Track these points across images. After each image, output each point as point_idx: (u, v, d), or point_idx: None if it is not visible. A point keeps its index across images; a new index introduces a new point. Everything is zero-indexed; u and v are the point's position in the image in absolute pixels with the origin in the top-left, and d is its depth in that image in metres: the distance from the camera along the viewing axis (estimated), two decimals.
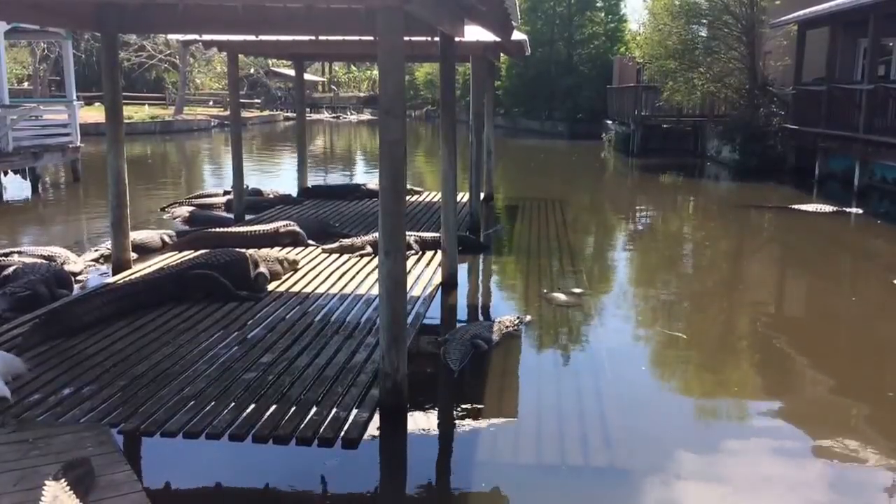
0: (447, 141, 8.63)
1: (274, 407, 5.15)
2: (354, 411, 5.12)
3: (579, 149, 32.14)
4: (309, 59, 19.46)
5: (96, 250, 10.21)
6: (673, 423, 5.72)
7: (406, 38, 5.54)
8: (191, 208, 14.01)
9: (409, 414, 5.41)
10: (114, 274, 8.95)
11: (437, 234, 9.53)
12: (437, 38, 8.27)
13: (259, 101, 59.22)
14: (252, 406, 5.17)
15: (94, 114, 30.95)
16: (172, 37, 25.66)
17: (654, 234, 14.27)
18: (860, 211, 14.83)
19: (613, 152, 30.03)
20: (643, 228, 14.97)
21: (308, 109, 35.50)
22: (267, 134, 42.81)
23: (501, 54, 15.19)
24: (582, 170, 26.47)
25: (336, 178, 22.09)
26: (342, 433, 4.82)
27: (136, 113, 39.96)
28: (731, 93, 24.54)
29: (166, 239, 10.94)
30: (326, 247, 10.28)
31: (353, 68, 72.98)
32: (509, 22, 7.73)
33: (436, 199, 14.34)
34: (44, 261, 8.88)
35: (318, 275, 8.93)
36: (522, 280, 9.75)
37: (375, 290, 7.38)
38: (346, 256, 9.87)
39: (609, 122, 33.48)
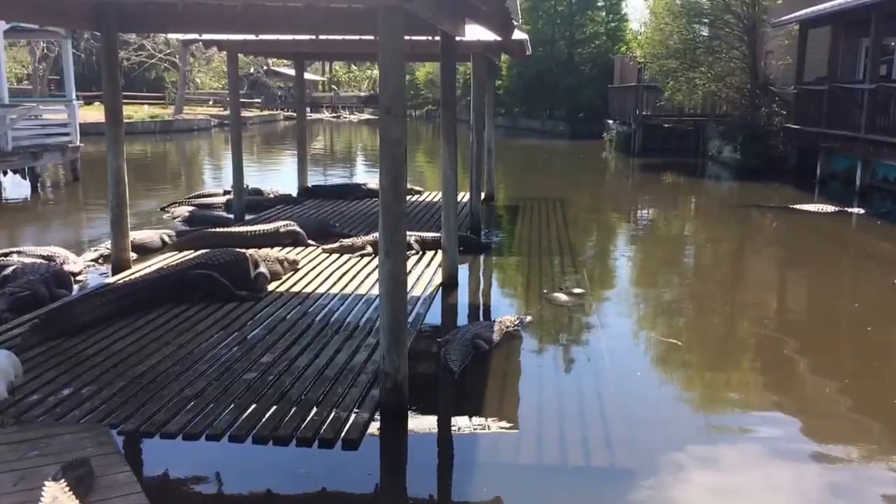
0: (448, 140, 8.60)
1: (274, 408, 5.14)
2: (355, 412, 5.10)
3: (580, 148, 32.13)
4: (309, 58, 19.44)
5: (96, 250, 10.19)
6: (674, 424, 5.70)
7: (407, 38, 5.51)
8: (191, 208, 14.00)
9: (409, 414, 5.39)
10: (113, 274, 8.93)
11: (438, 234, 9.51)
12: (437, 38, 8.25)
13: (259, 100, 59.23)
14: (252, 407, 5.15)
15: (94, 113, 30.92)
16: (172, 36, 25.69)
17: (656, 235, 14.24)
18: (862, 211, 14.81)
19: (614, 152, 30.01)
20: (644, 228, 14.95)
21: (308, 109, 35.47)
22: (267, 133, 42.81)
23: (502, 54, 15.17)
24: (583, 169, 26.45)
25: (336, 178, 22.08)
26: (343, 434, 4.80)
27: (135, 112, 39.96)
28: (733, 92, 24.52)
29: (166, 239, 10.91)
30: (327, 247, 10.26)
31: (354, 67, 73.07)
32: (510, 21, 7.71)
33: (436, 199, 14.32)
34: (43, 261, 8.87)
35: (318, 275, 8.92)
36: (523, 280, 9.72)
37: (376, 291, 7.37)
38: (346, 256, 9.85)
39: (610, 121, 33.47)
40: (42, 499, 3.65)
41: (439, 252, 9.30)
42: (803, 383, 6.77)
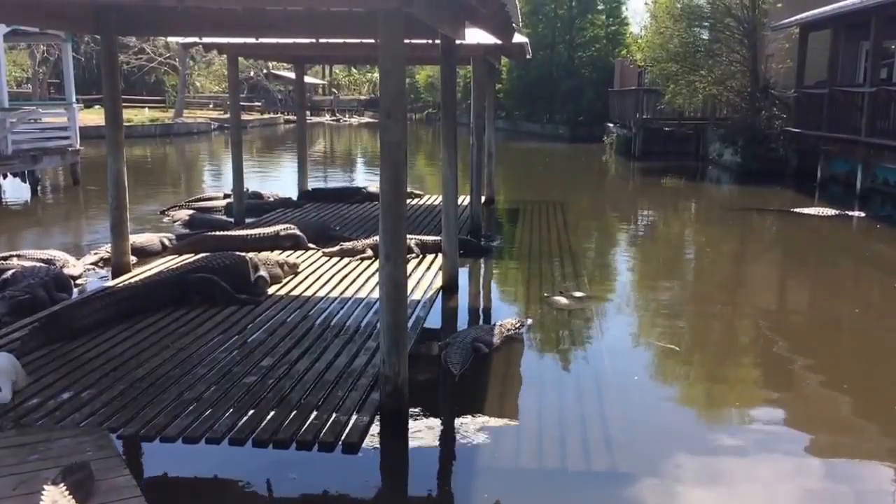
0: (448, 144, 8.60)
1: (274, 411, 5.12)
2: (355, 415, 5.08)
3: (581, 152, 32.15)
4: (309, 61, 19.45)
5: (96, 254, 10.18)
6: (674, 427, 5.69)
7: (407, 41, 5.51)
8: (191, 211, 14.00)
9: (409, 418, 5.38)
10: (113, 277, 8.92)
11: (438, 238, 9.51)
12: (437, 41, 8.25)
13: (259, 103, 59.27)
14: (252, 410, 5.13)
15: (94, 117, 30.97)
16: (172, 39, 25.71)
17: (656, 238, 14.24)
18: (862, 214, 14.80)
19: (615, 155, 30.03)
20: (645, 232, 14.95)
21: (308, 112, 35.50)
22: (267, 137, 42.84)
23: (502, 57, 15.19)
24: (583, 173, 26.47)
25: (336, 181, 22.07)
26: (343, 437, 4.78)
27: (135, 116, 39.98)
28: (733, 96, 24.54)
29: (166, 242, 10.91)
30: (327, 250, 10.25)
31: (354, 71, 73.13)
32: (510, 24, 7.70)
33: (437, 203, 14.31)
34: (43, 264, 8.86)
35: (318, 278, 8.90)
36: (523, 283, 9.71)
37: (376, 294, 7.35)
38: (346, 260, 9.84)
39: (610, 124, 33.49)
40: (41, 502, 3.64)
41: (440, 255, 9.29)
42: (803, 389, 6.75)
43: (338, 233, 11.54)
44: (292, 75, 32.86)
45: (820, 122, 18.89)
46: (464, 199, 13.18)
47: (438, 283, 8.78)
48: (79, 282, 9.08)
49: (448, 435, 5.45)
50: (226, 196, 15.15)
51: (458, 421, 5.59)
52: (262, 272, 8.26)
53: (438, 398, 6.17)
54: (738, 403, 6.25)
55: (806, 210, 14.92)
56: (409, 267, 8.90)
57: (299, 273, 9.07)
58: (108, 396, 5.35)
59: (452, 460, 5.25)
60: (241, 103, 21.34)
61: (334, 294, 8.21)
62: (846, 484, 4.88)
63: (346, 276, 9.03)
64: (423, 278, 8.87)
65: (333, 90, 71.52)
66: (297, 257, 9.83)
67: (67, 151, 18.32)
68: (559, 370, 6.82)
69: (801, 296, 10.37)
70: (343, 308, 7.65)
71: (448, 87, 8.62)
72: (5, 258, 9.18)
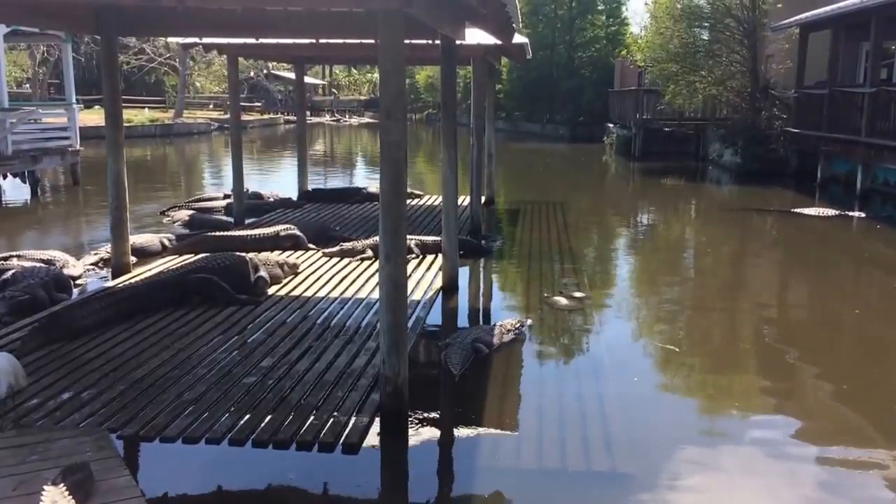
0: (448, 144, 8.59)
1: (274, 412, 5.12)
2: (355, 416, 5.08)
3: (581, 152, 32.15)
4: (309, 61, 19.43)
5: (96, 254, 10.18)
6: (674, 428, 5.68)
7: (407, 41, 5.51)
8: (191, 212, 14.00)
9: (409, 418, 5.37)
10: (113, 278, 8.92)
11: (438, 238, 9.50)
12: (438, 41, 8.25)
13: (259, 104, 59.28)
14: (252, 411, 5.13)
15: (94, 117, 30.97)
16: (172, 40, 25.69)
17: (656, 238, 14.24)
18: (862, 215, 14.79)
19: (615, 155, 30.03)
20: (645, 232, 14.94)
21: (308, 112, 35.51)
22: (267, 137, 42.82)
23: (503, 57, 15.18)
24: (583, 173, 26.47)
25: (337, 182, 22.07)
26: (343, 438, 4.78)
27: (135, 116, 39.99)
28: (733, 96, 24.54)
29: (166, 242, 10.91)
30: (327, 251, 10.25)
31: (354, 71, 73.15)
32: (510, 25, 7.70)
33: (437, 203, 14.31)
34: (43, 265, 8.86)
35: (318, 279, 8.90)
36: (523, 284, 9.70)
37: (376, 294, 7.36)
38: (346, 260, 9.84)
39: (610, 125, 33.49)
40: (41, 503, 3.64)
41: (440, 256, 9.29)
42: (802, 388, 6.75)
43: (338, 233, 11.55)
44: (292, 75, 32.88)
45: (820, 122, 18.89)
46: (464, 200, 13.18)
47: (438, 283, 8.78)
48: (79, 282, 9.08)
49: (448, 435, 5.45)
50: (226, 196, 15.15)
51: (458, 421, 5.59)
52: (262, 272, 8.26)
53: (438, 398, 6.17)
54: (738, 403, 6.25)
55: (806, 210, 14.92)
56: (409, 267, 8.90)
57: (299, 273, 9.07)
58: (107, 397, 5.35)
59: (452, 460, 5.25)
60: (241, 104, 21.34)
61: (334, 294, 8.21)
62: (846, 484, 4.88)
63: (346, 276, 9.03)
64: (423, 278, 8.87)
65: (333, 90, 71.54)
66: (297, 257, 9.84)
67: (67, 152, 18.32)
68: (559, 370, 6.82)
69: (801, 296, 10.36)
70: (343, 308, 7.65)
71: (448, 87, 8.62)
72: (5, 258, 9.18)
